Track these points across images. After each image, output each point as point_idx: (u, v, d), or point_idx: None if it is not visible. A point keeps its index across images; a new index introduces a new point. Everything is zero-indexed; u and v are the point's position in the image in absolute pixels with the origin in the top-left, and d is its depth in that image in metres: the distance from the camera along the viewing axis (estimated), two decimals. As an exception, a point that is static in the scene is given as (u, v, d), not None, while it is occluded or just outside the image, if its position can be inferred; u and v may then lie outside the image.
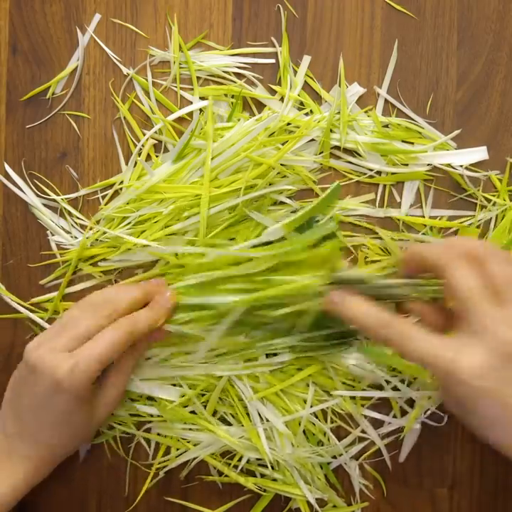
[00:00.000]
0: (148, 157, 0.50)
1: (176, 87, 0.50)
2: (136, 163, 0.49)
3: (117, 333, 0.42)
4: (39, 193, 0.50)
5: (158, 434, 0.49)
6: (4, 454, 0.44)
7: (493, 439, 0.36)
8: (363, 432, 0.49)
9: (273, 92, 0.50)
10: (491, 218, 0.50)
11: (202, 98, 0.50)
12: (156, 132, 0.49)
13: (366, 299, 0.40)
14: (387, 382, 0.49)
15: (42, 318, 0.50)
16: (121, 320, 0.43)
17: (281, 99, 0.50)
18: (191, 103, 0.50)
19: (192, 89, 0.50)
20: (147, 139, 0.49)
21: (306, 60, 0.50)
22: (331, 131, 0.49)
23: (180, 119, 0.50)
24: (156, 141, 0.50)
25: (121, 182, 0.50)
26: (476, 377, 0.33)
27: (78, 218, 0.50)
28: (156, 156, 0.50)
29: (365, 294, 0.40)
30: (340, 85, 0.50)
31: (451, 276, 0.36)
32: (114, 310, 0.43)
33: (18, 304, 0.50)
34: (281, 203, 0.49)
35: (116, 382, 0.46)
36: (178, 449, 0.49)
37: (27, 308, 0.50)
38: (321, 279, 0.42)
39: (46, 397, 0.42)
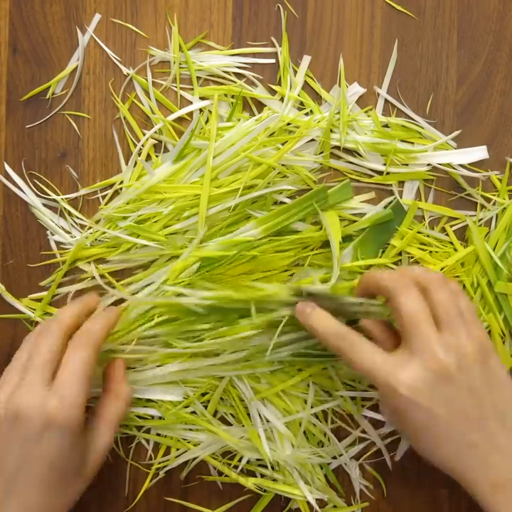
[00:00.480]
0: (149, 157, 0.50)
1: (175, 87, 0.50)
2: (136, 163, 0.49)
3: (80, 349, 0.41)
4: (39, 193, 0.50)
5: (158, 435, 0.49)
6: None
7: (419, 447, 0.40)
8: (363, 432, 0.49)
9: (273, 92, 0.50)
10: (491, 217, 0.50)
11: (202, 98, 0.50)
12: (156, 132, 0.49)
13: (328, 312, 0.42)
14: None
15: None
16: (76, 335, 0.42)
17: (281, 99, 0.50)
18: (191, 103, 0.50)
19: (192, 89, 0.50)
20: (147, 139, 0.49)
21: (306, 59, 0.50)
22: (331, 131, 0.49)
23: (180, 119, 0.50)
24: (156, 141, 0.50)
25: (121, 182, 0.50)
26: (410, 390, 0.37)
27: (78, 218, 0.50)
28: (156, 156, 0.50)
29: (328, 307, 0.43)
30: (340, 85, 0.50)
31: (399, 301, 0.40)
32: (59, 325, 0.42)
33: (19, 303, 0.50)
34: (282, 202, 0.49)
35: (103, 431, 0.43)
36: (178, 449, 0.49)
37: (26, 308, 0.50)
38: (290, 289, 0.44)
39: (38, 440, 0.39)
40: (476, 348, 0.39)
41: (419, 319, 0.39)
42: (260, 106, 0.50)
